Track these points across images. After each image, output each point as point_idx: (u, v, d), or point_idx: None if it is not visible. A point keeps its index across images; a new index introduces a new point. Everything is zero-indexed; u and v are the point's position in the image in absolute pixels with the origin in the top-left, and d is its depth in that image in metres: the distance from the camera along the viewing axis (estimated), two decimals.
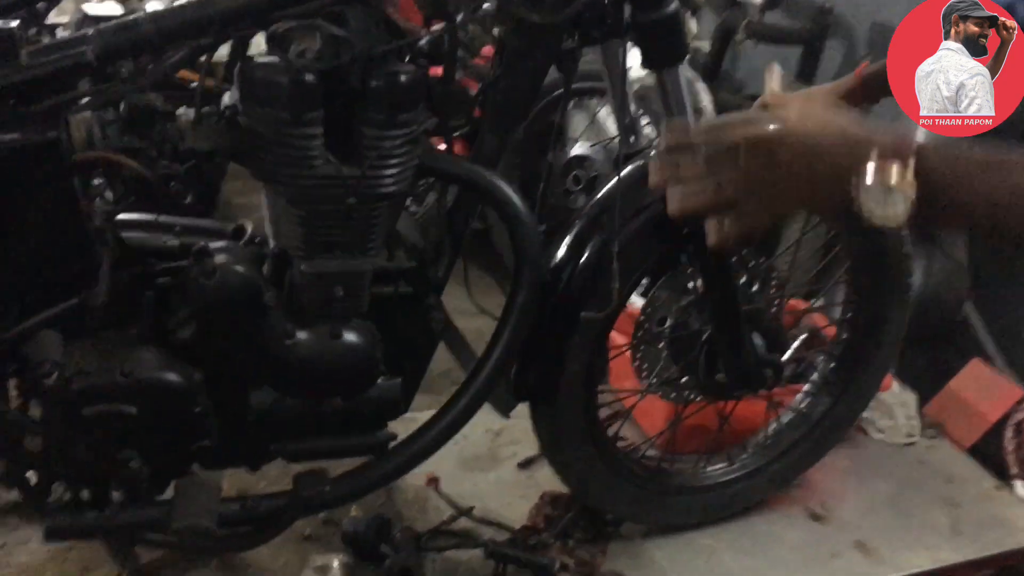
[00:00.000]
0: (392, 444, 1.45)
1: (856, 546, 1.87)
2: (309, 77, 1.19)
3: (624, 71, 1.48)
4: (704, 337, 1.67)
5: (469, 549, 1.75)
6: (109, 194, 1.38)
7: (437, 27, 1.30)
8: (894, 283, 1.77)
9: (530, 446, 1.93)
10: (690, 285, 1.68)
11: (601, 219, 1.52)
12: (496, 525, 1.80)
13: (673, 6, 1.30)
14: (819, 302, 2.12)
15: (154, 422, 1.26)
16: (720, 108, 2.71)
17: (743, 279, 1.69)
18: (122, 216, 1.34)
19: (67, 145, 1.13)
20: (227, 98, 1.25)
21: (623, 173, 1.55)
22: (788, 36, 2.67)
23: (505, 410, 1.64)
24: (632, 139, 1.60)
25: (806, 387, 1.95)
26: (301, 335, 1.32)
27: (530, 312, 1.43)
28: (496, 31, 1.37)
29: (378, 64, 1.23)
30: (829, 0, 2.63)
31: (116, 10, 2.09)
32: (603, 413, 1.84)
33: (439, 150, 1.37)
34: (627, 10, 1.32)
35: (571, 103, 2.59)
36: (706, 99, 2.80)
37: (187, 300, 1.27)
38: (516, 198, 1.38)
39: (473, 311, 1.57)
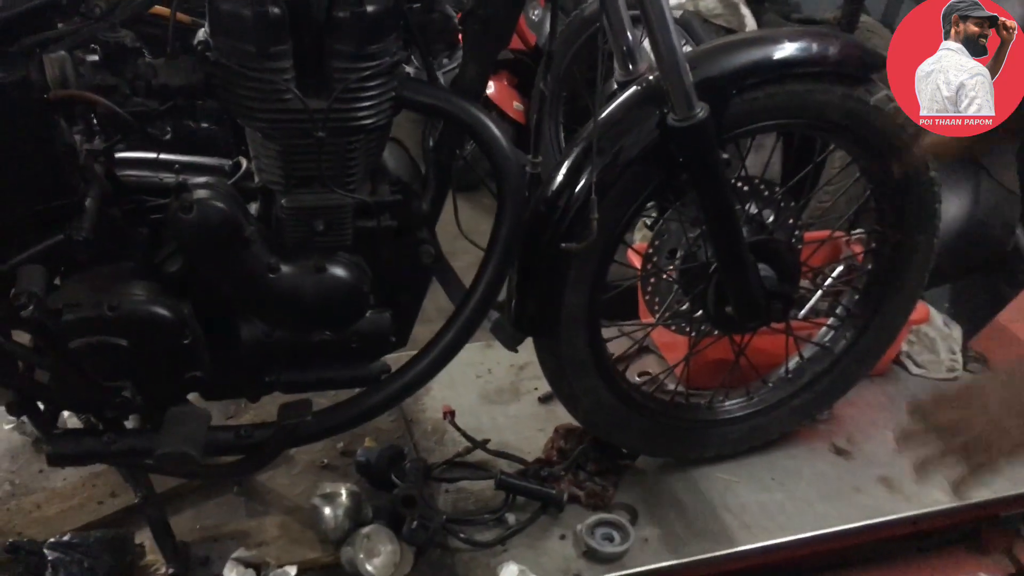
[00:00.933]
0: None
1: (880, 481, 1.82)
2: (274, 10, 1.19)
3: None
4: (712, 269, 1.63)
5: (480, 480, 1.78)
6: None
7: None
8: (919, 209, 1.69)
9: None
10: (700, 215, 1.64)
11: (590, 152, 1.48)
12: (510, 457, 1.82)
13: None
14: (859, 232, 2.05)
15: (144, 353, 1.30)
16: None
17: (755, 209, 1.65)
18: (121, 155, 1.38)
19: (40, 84, 1.16)
20: (201, 34, 1.26)
21: (622, 98, 1.52)
22: None
23: (511, 344, 1.64)
24: (630, 67, 1.56)
25: (830, 320, 1.89)
26: (285, 268, 1.34)
27: (514, 244, 1.42)
28: None
29: None
30: None
31: None
32: (615, 347, 1.84)
33: (419, 81, 1.36)
34: None
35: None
36: (751, 23, 2.70)
37: (169, 234, 1.30)
38: (496, 130, 1.37)
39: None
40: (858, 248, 2.02)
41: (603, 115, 1.49)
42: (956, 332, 2.19)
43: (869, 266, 1.81)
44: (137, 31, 1.27)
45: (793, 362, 1.87)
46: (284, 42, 1.21)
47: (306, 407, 1.41)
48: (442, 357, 1.46)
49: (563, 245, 1.42)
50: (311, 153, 1.28)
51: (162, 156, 1.41)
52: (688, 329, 1.76)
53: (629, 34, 1.53)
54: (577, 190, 1.46)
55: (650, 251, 1.69)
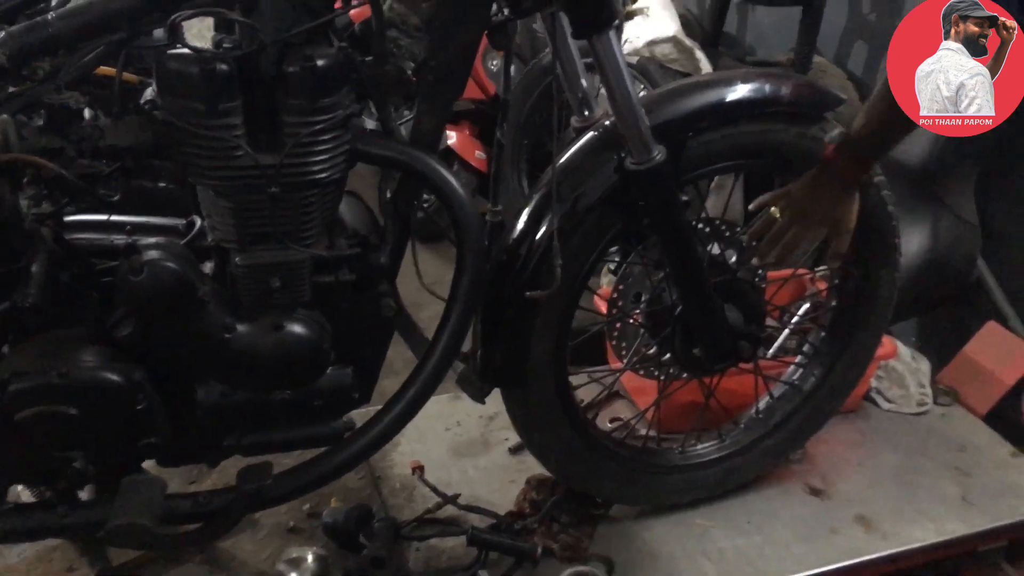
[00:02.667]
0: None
1: (857, 520, 1.80)
2: (222, 67, 1.18)
3: (565, 41, 1.44)
4: (678, 311, 1.62)
5: (452, 537, 1.73)
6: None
7: (356, 3, 1.28)
8: (880, 243, 1.69)
9: None
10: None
11: (549, 200, 1.47)
12: (482, 512, 1.77)
13: None
14: (823, 269, 2.06)
15: (96, 421, 1.26)
16: None
17: (718, 250, 1.64)
18: (72, 218, 1.35)
19: None
20: (148, 93, 1.24)
21: (579, 143, 1.52)
22: None
23: (478, 396, 1.61)
24: (586, 112, 1.56)
25: (797, 358, 1.88)
26: (241, 328, 1.31)
27: (475, 294, 1.40)
28: (425, 5, 1.34)
29: (295, 49, 1.22)
30: None
31: None
32: (585, 394, 1.82)
33: (374, 133, 1.35)
34: None
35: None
36: (706, 66, 2.72)
37: (120, 298, 1.27)
38: (453, 180, 1.36)
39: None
40: (822, 285, 2.02)
41: (561, 161, 1.49)
42: (924, 366, 2.19)
43: (833, 303, 1.81)
44: (84, 92, 1.25)
45: (763, 402, 1.86)
46: (233, 98, 1.20)
47: (267, 470, 1.37)
48: (407, 412, 1.43)
49: (528, 293, 1.41)
50: (265, 209, 1.26)
51: (113, 218, 1.38)
52: (657, 373, 1.75)
53: (583, 80, 1.53)
54: (539, 237, 1.45)
55: (615, 296, 1.68)
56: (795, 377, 1.86)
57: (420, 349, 1.46)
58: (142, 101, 1.23)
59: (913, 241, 2.16)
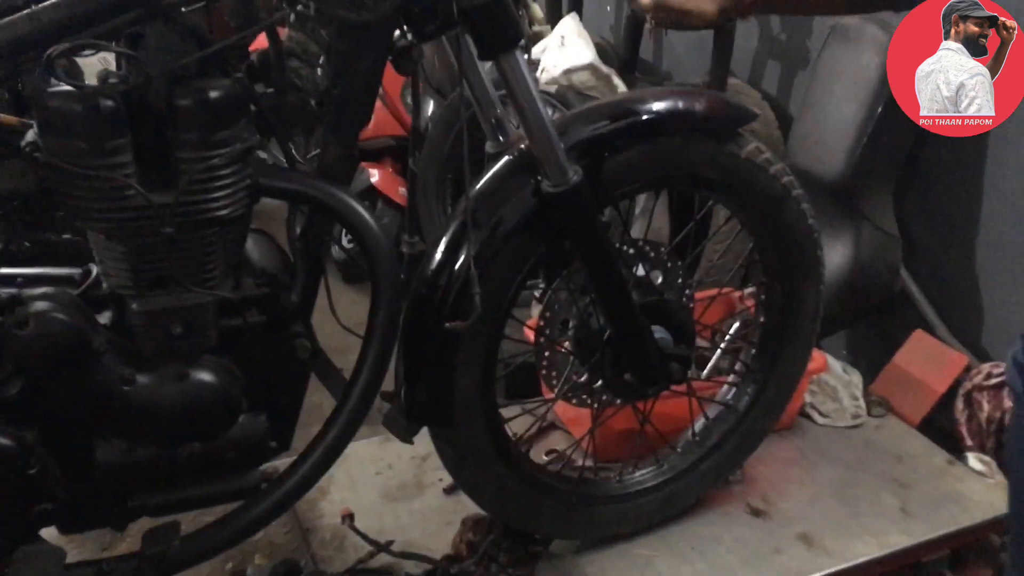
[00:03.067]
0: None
1: (800, 539, 1.77)
2: (107, 102, 1.11)
3: (474, 65, 1.40)
4: (606, 336, 1.58)
5: None
6: None
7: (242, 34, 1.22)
8: (802, 256, 1.68)
9: None
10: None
11: (472, 219, 1.42)
12: (417, 558, 1.70)
13: None
14: (751, 288, 2.05)
15: None
16: None
17: (643, 271, 1.61)
18: None
19: None
20: (29, 135, 1.16)
21: (495, 169, 1.48)
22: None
23: (406, 436, 1.54)
24: (500, 138, 1.52)
25: (730, 377, 1.86)
26: (142, 379, 1.23)
27: (392, 329, 1.35)
28: (324, 32, 1.29)
29: (186, 81, 1.15)
30: None
31: None
32: (519, 426, 1.76)
33: (277, 167, 1.29)
34: None
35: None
36: (622, 88, 2.73)
37: (5, 354, 1.17)
38: (363, 211, 1.30)
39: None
40: (751, 303, 2.01)
41: (477, 188, 1.44)
42: (856, 378, 2.19)
43: (761, 319, 1.79)
44: None
45: (699, 424, 1.82)
46: (121, 135, 1.13)
47: (173, 531, 1.28)
48: (326, 457, 1.36)
49: (447, 325, 1.35)
50: (161, 251, 1.19)
51: (2, 271, 1.29)
52: (589, 401, 1.70)
53: (496, 106, 1.49)
54: (457, 267, 1.40)
55: (541, 324, 1.63)
56: (729, 396, 1.83)
57: (339, 391, 1.39)
58: (23, 143, 1.15)
59: (836, 254, 2.17)
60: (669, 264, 1.63)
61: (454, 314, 1.38)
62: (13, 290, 1.25)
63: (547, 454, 1.96)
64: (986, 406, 2.04)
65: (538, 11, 3.10)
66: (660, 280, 1.63)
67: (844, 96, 2.14)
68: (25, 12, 1.12)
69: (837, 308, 2.08)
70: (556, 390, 1.68)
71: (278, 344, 1.33)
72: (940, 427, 2.09)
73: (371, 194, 3.25)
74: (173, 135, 1.16)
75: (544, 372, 1.68)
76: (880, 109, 2.06)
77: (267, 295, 1.30)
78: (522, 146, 1.46)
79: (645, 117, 1.46)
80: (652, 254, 1.62)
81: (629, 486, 1.75)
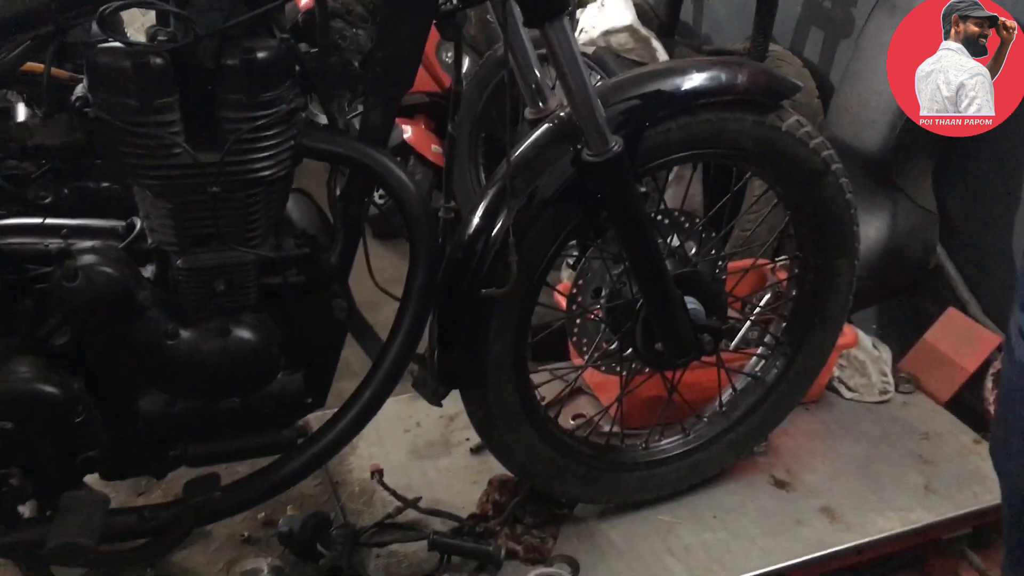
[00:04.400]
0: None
1: (822, 512, 1.78)
2: (156, 60, 1.12)
3: (517, 30, 1.40)
4: (639, 305, 1.59)
5: (413, 542, 1.69)
6: None
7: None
8: (839, 232, 1.67)
9: None
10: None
11: (505, 192, 1.43)
12: (443, 515, 1.73)
13: None
14: (783, 259, 2.04)
15: (31, 435, 1.20)
16: None
17: (675, 240, 1.61)
18: (2, 222, 1.29)
19: None
20: (79, 89, 1.18)
21: (533, 136, 1.48)
22: None
23: (435, 398, 1.57)
24: (540, 104, 1.52)
25: (759, 349, 1.86)
26: (185, 334, 1.26)
27: (430, 292, 1.36)
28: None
29: (234, 41, 1.16)
30: None
31: None
32: (548, 391, 1.78)
33: (320, 128, 1.29)
34: None
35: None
36: (663, 55, 2.70)
37: (54, 305, 1.20)
38: (404, 175, 1.31)
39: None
40: (783, 275, 2.01)
41: (515, 155, 1.45)
42: (885, 354, 2.18)
43: (793, 292, 1.79)
44: (17, 90, 1.19)
45: (726, 395, 1.84)
46: (169, 93, 1.14)
47: (214, 482, 1.32)
48: (362, 416, 1.38)
49: (483, 291, 1.36)
50: (206, 209, 1.20)
51: (48, 221, 1.32)
52: (618, 369, 1.71)
53: (537, 71, 1.49)
54: (494, 233, 1.41)
55: (574, 291, 1.64)
56: (757, 368, 1.84)
57: (375, 351, 1.42)
58: (73, 98, 1.17)
59: (872, 229, 2.15)
60: (703, 235, 1.64)
61: (490, 280, 1.40)
62: (60, 241, 1.29)
63: (574, 419, 1.99)
64: None
65: None
66: (693, 251, 1.64)
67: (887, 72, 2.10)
68: None
69: (870, 283, 2.07)
70: (586, 357, 1.70)
71: (316, 303, 1.35)
72: (969, 406, 2.09)
73: (404, 150, 3.26)
74: (220, 94, 1.17)
75: (575, 339, 1.69)
76: None
77: (307, 255, 1.32)
78: (561, 114, 1.46)
79: (687, 89, 1.45)
80: (687, 224, 1.63)
81: (655, 454, 1.77)
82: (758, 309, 2.07)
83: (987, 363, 2.08)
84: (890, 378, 2.13)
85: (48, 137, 1.16)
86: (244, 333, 1.28)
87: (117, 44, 1.12)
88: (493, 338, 1.49)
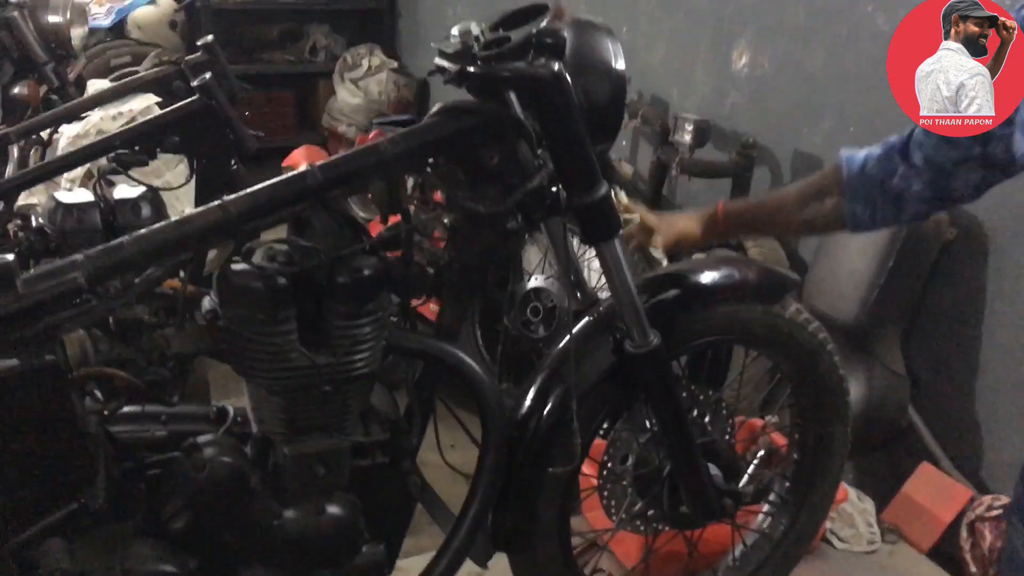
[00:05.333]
0: None
1: None
2: (282, 280, 1.32)
3: (566, 244, 1.63)
4: (666, 472, 1.77)
5: None
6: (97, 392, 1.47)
7: (394, 220, 1.45)
8: (834, 402, 1.90)
9: None
10: (647, 423, 1.80)
11: (560, 371, 1.63)
12: None
13: (603, 190, 1.46)
14: (773, 418, 2.26)
15: None
16: None
17: (695, 413, 1.82)
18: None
19: (64, 365, 1.23)
20: (207, 303, 1.37)
21: (578, 328, 1.69)
22: (718, 170, 2.88)
23: (483, 560, 1.72)
24: (579, 295, 1.75)
25: (765, 508, 2.05)
26: (288, 513, 1.41)
27: (499, 471, 1.54)
28: (446, 219, 1.51)
29: (342, 262, 1.37)
30: (752, 135, 2.84)
31: (87, 196, 2.21)
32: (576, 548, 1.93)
33: (402, 329, 1.49)
34: (562, 194, 1.46)
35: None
36: None
37: (180, 493, 1.35)
38: (477, 368, 1.51)
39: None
40: (775, 436, 2.22)
41: (563, 344, 1.65)
42: (869, 505, 2.39)
43: (795, 456, 2.00)
44: (149, 303, 1.37)
45: (738, 550, 2.01)
46: (290, 307, 1.34)
47: None
48: None
49: (551, 470, 1.54)
50: (314, 404, 1.38)
51: (148, 408, 1.48)
52: (643, 529, 1.88)
53: (578, 268, 1.72)
54: (546, 413, 1.60)
55: (604, 459, 1.82)
56: (765, 525, 2.03)
57: (444, 522, 1.57)
58: (203, 311, 1.36)
59: (851, 391, 2.39)
60: (716, 408, 1.85)
61: (547, 456, 1.58)
62: (161, 428, 1.45)
63: (594, 573, 2.13)
64: (988, 536, 2.24)
65: (623, 197, 3.33)
66: (708, 421, 1.85)
67: (857, 251, 2.40)
68: (216, 203, 1.33)
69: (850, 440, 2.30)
70: (616, 519, 1.87)
71: (395, 481, 1.52)
72: (947, 554, 2.29)
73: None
74: (330, 306, 1.37)
75: (605, 502, 1.86)
76: (891, 264, 2.33)
77: (390, 438, 1.49)
78: (601, 308, 1.68)
79: (708, 285, 1.69)
80: (702, 398, 1.84)
81: None
82: (754, 464, 2.27)
83: (960, 515, 2.29)
84: (876, 529, 2.33)
85: (183, 346, 1.34)
86: (337, 510, 1.44)
87: (249, 267, 1.32)
88: (543, 505, 1.66)
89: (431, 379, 1.55)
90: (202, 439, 1.36)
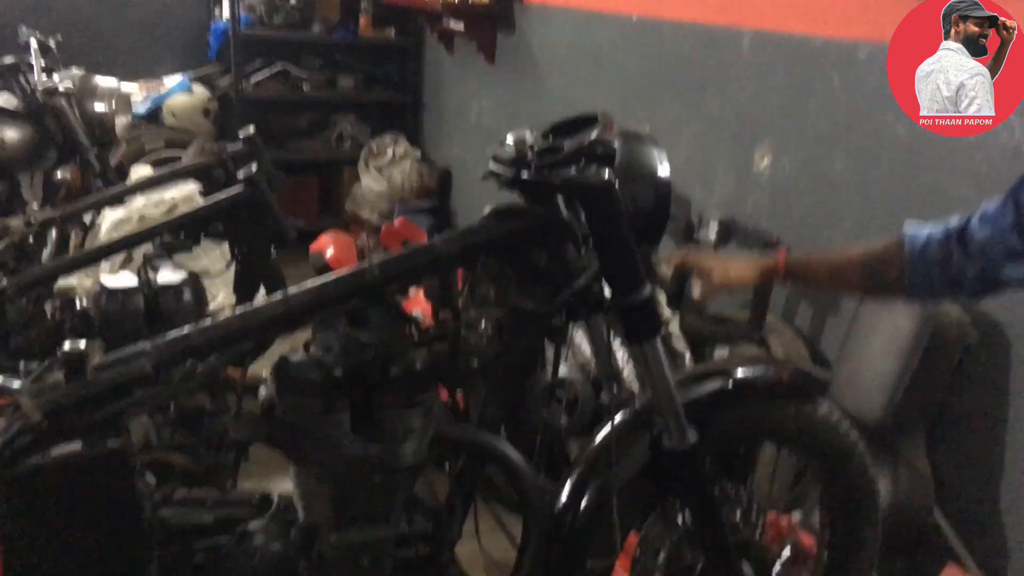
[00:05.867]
0: None
1: None
2: (338, 372, 1.37)
3: (607, 342, 1.68)
4: (699, 569, 1.79)
5: None
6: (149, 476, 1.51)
7: (444, 315, 1.51)
8: (863, 503, 1.92)
9: None
10: (679, 519, 1.82)
11: (596, 465, 1.66)
12: None
13: (647, 291, 1.52)
14: (798, 515, 2.27)
15: None
16: (685, 329, 2.96)
17: (727, 509, 1.84)
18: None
19: (128, 450, 1.28)
20: (262, 391, 1.42)
21: (616, 423, 1.73)
22: None
23: None
24: (615, 389, 1.79)
25: None
26: None
27: (541, 562, 1.56)
28: (495, 315, 1.57)
29: (396, 355, 1.42)
30: (776, 233, 2.92)
31: (130, 280, 2.28)
32: None
33: (448, 421, 1.54)
34: (607, 292, 1.53)
35: None
36: (674, 322, 3.03)
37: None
38: (520, 461, 1.54)
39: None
40: (799, 531, 2.23)
41: (600, 439, 1.69)
42: None
43: (825, 556, 2.01)
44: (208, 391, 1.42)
45: None
46: (343, 398, 1.39)
47: None
48: None
49: (590, 563, 1.57)
50: (363, 493, 1.42)
51: (193, 492, 1.51)
52: None
53: (616, 363, 1.77)
54: (590, 505, 1.62)
55: (637, 554, 1.84)
56: None
57: None
58: (261, 399, 1.40)
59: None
60: (746, 503, 1.87)
61: (586, 550, 1.60)
62: (207, 513, 1.48)
63: None
64: None
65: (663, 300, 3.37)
66: (739, 517, 1.87)
67: (881, 351, 2.44)
68: (279, 298, 1.40)
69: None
70: None
71: (435, 572, 1.54)
72: None
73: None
74: (381, 397, 1.42)
75: None
76: (915, 365, 2.36)
77: (433, 529, 1.52)
78: (637, 404, 1.72)
79: (744, 384, 1.74)
80: (734, 494, 1.86)
81: None
82: (781, 561, 2.27)
83: None
84: None
85: (241, 433, 1.38)
86: None
87: (306, 359, 1.38)
88: None
89: (473, 470, 1.59)
90: (253, 526, 1.39)
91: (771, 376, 1.77)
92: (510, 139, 1.46)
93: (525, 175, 1.44)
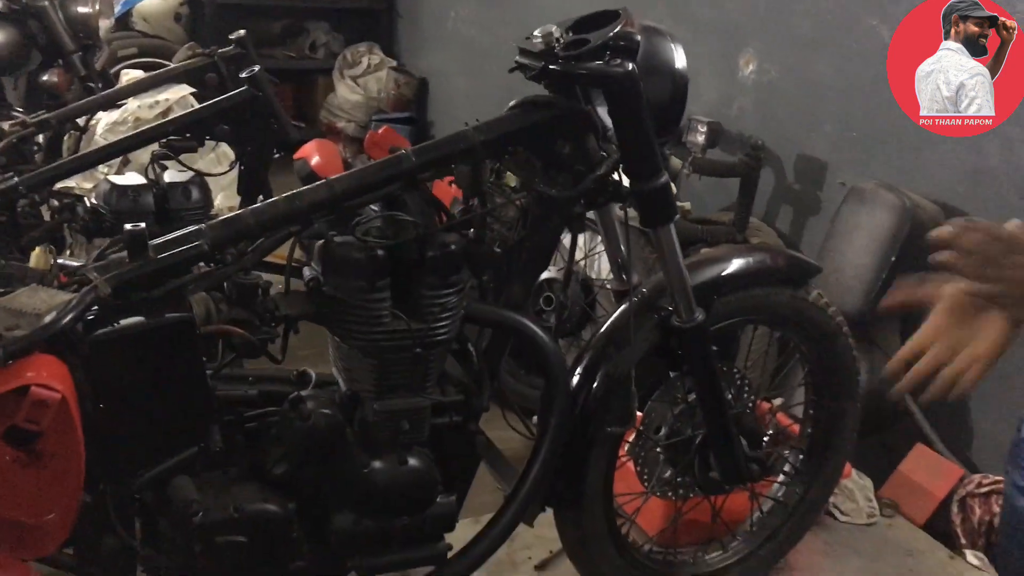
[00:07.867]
0: (449, 554, 1.67)
1: None
2: (380, 252, 1.47)
3: (616, 226, 1.79)
4: (697, 441, 1.94)
5: None
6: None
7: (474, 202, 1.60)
8: (847, 380, 2.08)
9: (541, 549, 2.20)
10: (679, 396, 1.96)
11: (613, 340, 1.79)
12: None
13: (664, 178, 1.62)
14: (779, 402, 2.44)
15: (259, 548, 1.46)
16: None
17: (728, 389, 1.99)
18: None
19: (191, 322, 1.37)
20: (307, 272, 1.51)
21: (624, 307, 1.85)
22: (728, 170, 3.06)
23: (530, 519, 1.87)
24: (624, 277, 1.91)
25: (780, 478, 2.23)
26: (375, 464, 1.56)
27: (563, 430, 1.69)
28: (519, 201, 1.67)
29: (433, 237, 1.52)
30: (760, 137, 3.03)
31: (138, 179, 2.33)
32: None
33: (477, 300, 1.65)
34: (626, 181, 1.63)
35: None
36: None
37: (285, 440, 1.49)
38: (545, 336, 1.66)
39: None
40: (781, 415, 2.40)
41: (611, 321, 1.82)
42: (868, 483, 2.58)
43: (809, 430, 2.18)
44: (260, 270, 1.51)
45: (755, 516, 2.19)
46: (386, 277, 1.49)
47: None
48: (501, 536, 1.69)
49: (609, 429, 1.71)
50: (403, 365, 1.53)
51: (235, 370, 1.62)
52: (672, 496, 2.05)
53: (624, 250, 1.88)
54: (603, 383, 1.75)
55: (640, 428, 1.99)
56: (780, 494, 2.20)
57: (508, 478, 1.73)
58: (307, 279, 1.50)
59: None
60: (740, 383, 2.02)
61: (604, 419, 1.74)
62: (248, 389, 1.59)
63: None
64: (978, 510, 2.44)
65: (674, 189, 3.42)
66: (733, 395, 2.02)
67: (862, 247, 2.59)
68: (323, 182, 1.48)
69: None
70: (648, 486, 2.04)
71: (465, 439, 1.67)
72: (939, 528, 2.49)
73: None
74: (420, 277, 1.52)
75: (639, 470, 2.03)
76: (893, 259, 2.52)
77: (463, 399, 1.65)
78: (644, 290, 1.85)
79: (745, 270, 1.86)
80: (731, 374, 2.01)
81: (704, 567, 2.10)
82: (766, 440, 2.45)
83: (952, 491, 2.49)
84: (875, 504, 2.52)
85: (290, 308, 1.48)
86: (418, 463, 1.59)
87: (352, 240, 1.47)
88: (591, 466, 1.82)
89: (499, 347, 1.71)
90: (305, 393, 1.50)
91: (768, 263, 1.90)
92: (538, 33, 1.54)
93: (553, 67, 1.52)
